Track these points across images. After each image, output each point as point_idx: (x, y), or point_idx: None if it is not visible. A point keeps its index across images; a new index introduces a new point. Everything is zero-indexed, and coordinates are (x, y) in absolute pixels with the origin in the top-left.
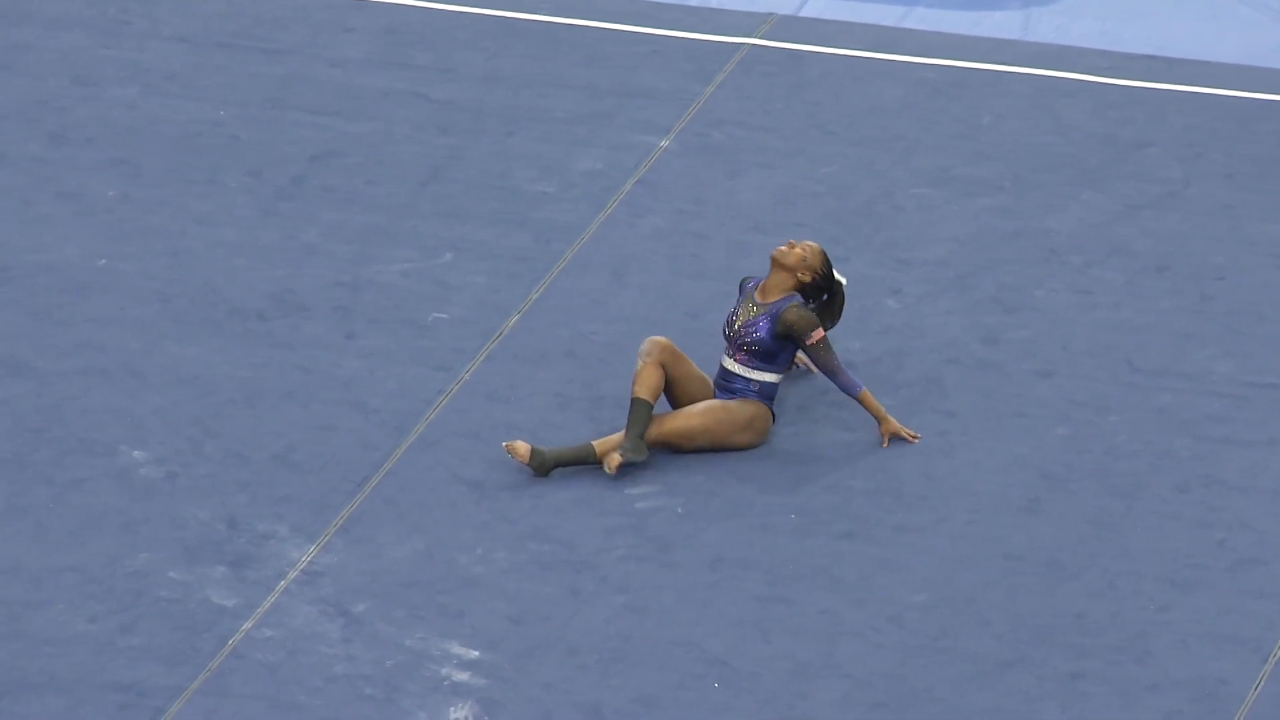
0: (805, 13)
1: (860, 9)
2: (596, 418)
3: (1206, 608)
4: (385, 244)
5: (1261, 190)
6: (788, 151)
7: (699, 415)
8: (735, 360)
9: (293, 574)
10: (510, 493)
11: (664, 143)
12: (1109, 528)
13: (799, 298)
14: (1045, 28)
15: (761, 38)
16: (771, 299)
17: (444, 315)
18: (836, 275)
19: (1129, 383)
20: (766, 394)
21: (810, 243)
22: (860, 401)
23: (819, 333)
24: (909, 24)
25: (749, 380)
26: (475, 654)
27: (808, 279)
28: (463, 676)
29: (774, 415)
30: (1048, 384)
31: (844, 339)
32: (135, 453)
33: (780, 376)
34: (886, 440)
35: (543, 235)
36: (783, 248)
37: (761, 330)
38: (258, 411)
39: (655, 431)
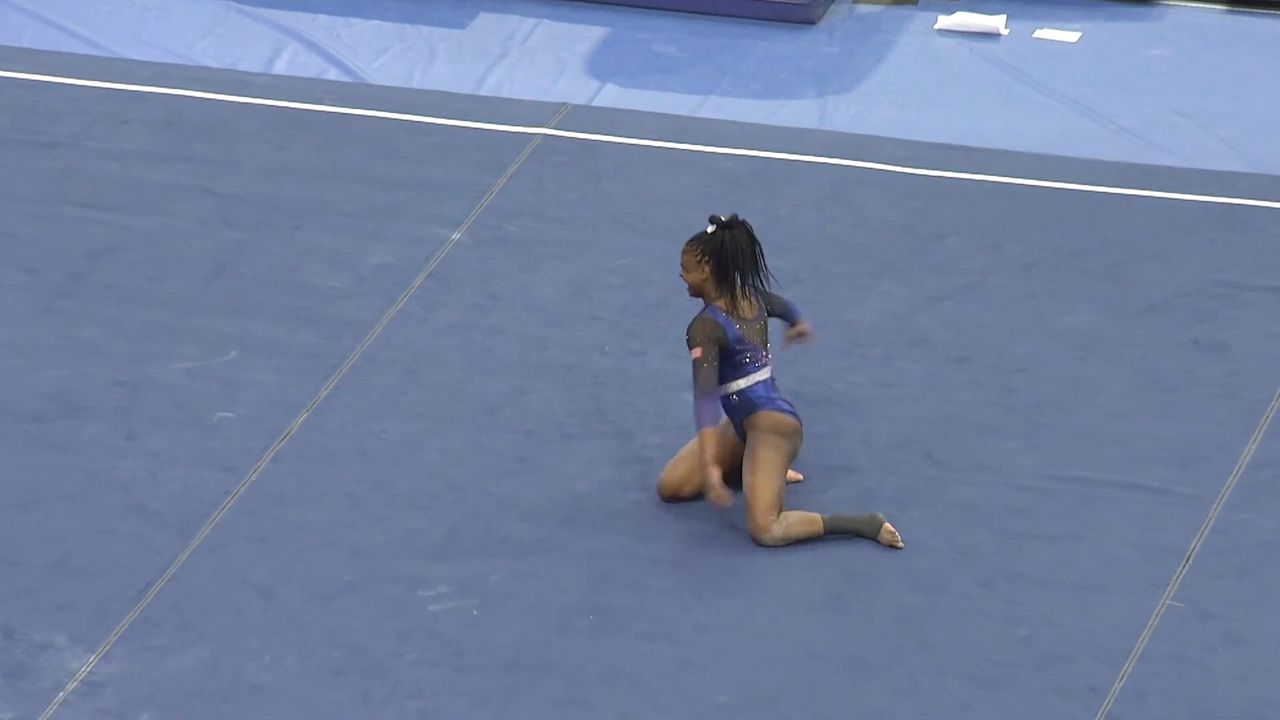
0: (599, 102)
1: (655, 98)
2: (388, 517)
3: (1012, 705)
4: (168, 342)
5: (1062, 280)
6: (582, 243)
7: (754, 479)
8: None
9: (72, 685)
10: (300, 597)
11: (456, 235)
12: (912, 624)
13: (711, 310)
14: (842, 116)
15: (554, 128)
16: (753, 308)
17: (230, 414)
18: (708, 232)
19: (930, 476)
20: (747, 404)
21: (681, 258)
22: (699, 436)
23: (696, 351)
24: (704, 113)
25: (728, 397)
26: None
27: (705, 277)
28: None
29: (783, 409)
30: (848, 479)
31: (642, 433)
32: None
33: (748, 379)
34: (709, 494)
35: (332, 331)
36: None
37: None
38: (35, 516)
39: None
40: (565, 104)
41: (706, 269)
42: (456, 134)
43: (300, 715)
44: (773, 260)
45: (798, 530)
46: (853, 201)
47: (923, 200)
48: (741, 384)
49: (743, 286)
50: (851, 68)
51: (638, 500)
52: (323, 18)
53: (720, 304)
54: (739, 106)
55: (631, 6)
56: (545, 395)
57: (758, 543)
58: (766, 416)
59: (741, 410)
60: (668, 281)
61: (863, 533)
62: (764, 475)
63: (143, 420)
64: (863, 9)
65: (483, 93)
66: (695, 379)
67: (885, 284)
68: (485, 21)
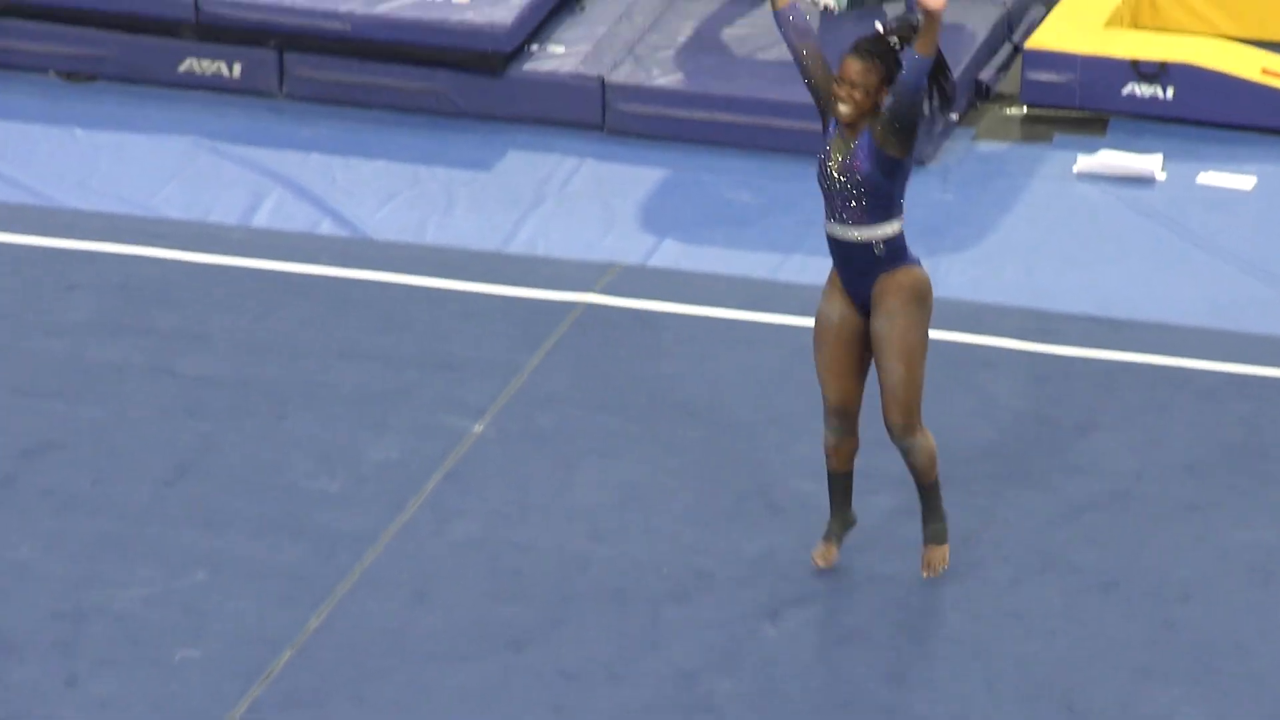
0: (655, 261)
1: (724, 257)
2: None
3: None
4: (120, 561)
5: (1235, 487)
6: (634, 437)
7: (892, 371)
8: (847, 223)
9: None
10: None
11: (478, 427)
12: None
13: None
14: (960, 279)
15: (601, 293)
16: (860, 126)
17: (195, 653)
18: (889, 40)
19: None
20: (898, 252)
21: (847, 70)
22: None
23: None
24: (786, 275)
25: (872, 244)
26: None
27: (884, 90)
28: None
29: (918, 266)
30: None
31: (709, 676)
32: None
33: (902, 221)
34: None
35: (324, 546)
36: (844, 109)
37: (863, 159)
38: None
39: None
40: (614, 264)
41: (882, 74)
42: (480, 301)
43: None
44: (874, 458)
45: (925, 455)
46: (974, 385)
47: (1060, 385)
48: (896, 226)
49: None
50: (971, 219)
51: None
52: (315, 157)
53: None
54: (827, 268)
55: (695, 143)
56: (588, 627)
57: (896, 439)
58: (912, 275)
59: (886, 263)
60: (740, 483)
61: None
62: (918, 360)
63: (87, 660)
64: (984, 147)
65: (512, 250)
66: (931, 42)
67: (1014, 489)
68: (516, 161)
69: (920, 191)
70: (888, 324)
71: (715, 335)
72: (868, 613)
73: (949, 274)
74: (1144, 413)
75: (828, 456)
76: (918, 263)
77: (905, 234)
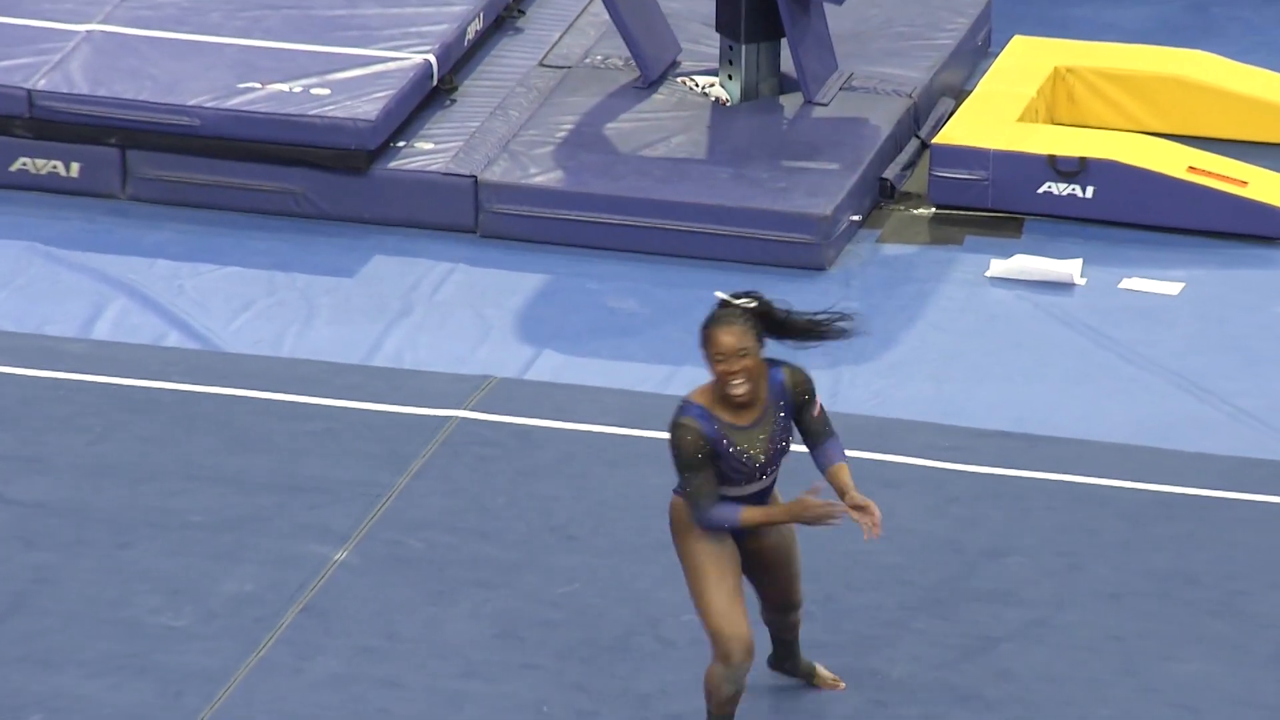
0: (533, 374)
1: (607, 369)
2: None
3: None
4: None
5: (1163, 617)
6: (512, 565)
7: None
8: (766, 479)
9: None
10: None
11: (340, 555)
12: None
13: (775, 370)
14: (861, 393)
15: (474, 409)
16: (759, 406)
17: None
18: (740, 302)
19: None
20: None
21: (724, 340)
22: (842, 471)
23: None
24: (675, 389)
25: (772, 485)
26: None
27: (761, 345)
28: None
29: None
30: None
31: None
32: None
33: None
34: (855, 515)
35: (170, 686)
36: (739, 387)
37: (788, 435)
38: None
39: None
40: (489, 377)
41: (757, 331)
42: (342, 418)
43: None
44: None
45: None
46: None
47: (971, 506)
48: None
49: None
50: (875, 328)
51: None
52: (161, 264)
53: (762, 365)
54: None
55: (576, 246)
56: None
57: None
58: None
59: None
60: (627, 616)
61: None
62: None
63: None
64: (890, 249)
65: (378, 363)
66: (828, 422)
67: (922, 619)
68: (382, 267)
69: (821, 298)
70: (788, 537)
71: (599, 453)
72: None
73: (851, 387)
74: (1062, 535)
75: (723, 706)
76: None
77: None
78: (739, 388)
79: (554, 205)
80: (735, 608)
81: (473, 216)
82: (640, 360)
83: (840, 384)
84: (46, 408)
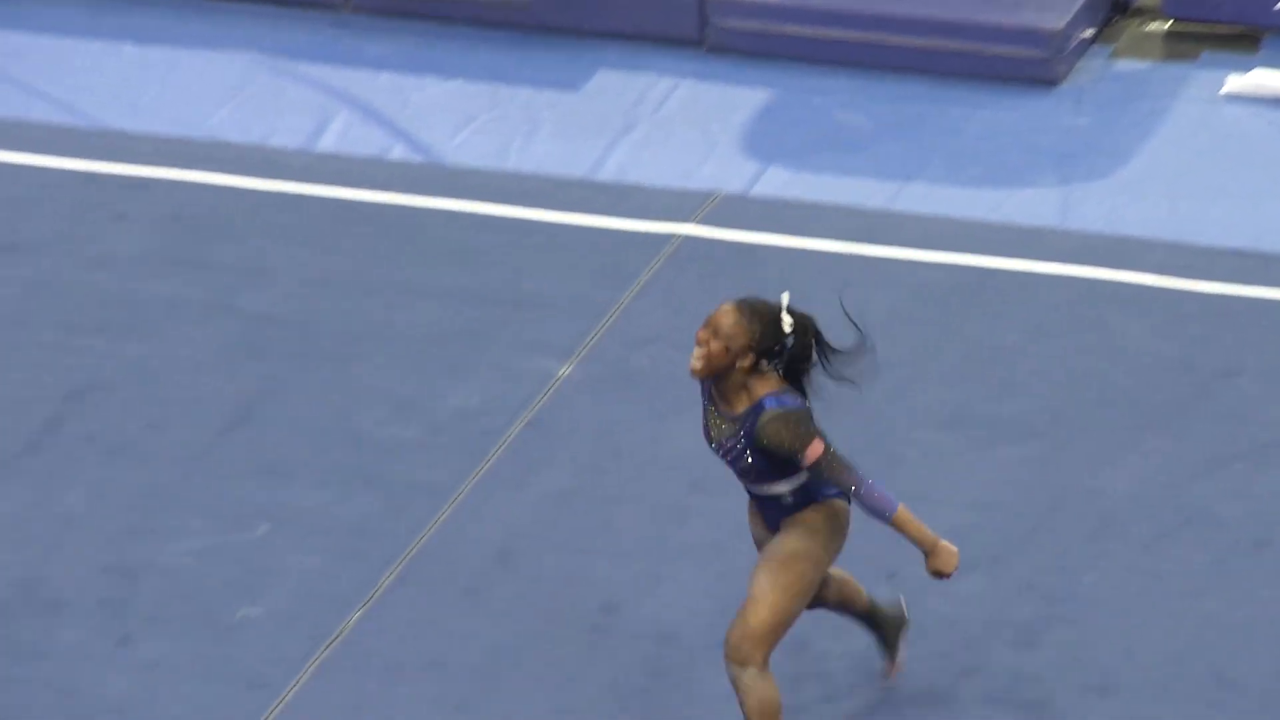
0: (758, 190)
1: (832, 185)
2: None
3: None
4: (173, 512)
5: None
6: None
7: (760, 589)
8: (745, 481)
9: None
10: None
11: (564, 370)
12: None
13: (770, 403)
14: (1094, 211)
15: (699, 224)
16: (738, 407)
17: (257, 611)
18: (783, 314)
19: (1221, 703)
20: (808, 495)
21: (717, 316)
22: (895, 526)
23: (815, 447)
24: (902, 205)
25: (778, 496)
26: None
27: (747, 356)
28: None
29: (838, 497)
30: (1106, 706)
31: (819, 640)
32: None
33: (803, 479)
34: (939, 576)
35: (397, 499)
36: (695, 358)
37: (746, 453)
38: None
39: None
40: (714, 193)
41: (754, 343)
42: (566, 233)
43: None
44: (998, 405)
45: (757, 702)
46: (1108, 327)
47: (1204, 326)
48: (804, 476)
49: (794, 380)
50: (1108, 145)
51: None
52: (385, 76)
53: (770, 386)
54: (950, 197)
55: (802, 61)
56: (686, 587)
57: (728, 665)
58: (825, 508)
59: (796, 507)
60: (853, 433)
61: None
62: (792, 594)
63: (139, 618)
64: (1123, 65)
65: (601, 178)
66: (833, 475)
67: (1153, 439)
68: (606, 81)
69: (1049, 116)
70: (779, 541)
71: (823, 270)
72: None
73: (1083, 203)
74: None
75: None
76: (834, 494)
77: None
78: (693, 360)
79: (780, 19)
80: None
81: (698, 30)
82: (866, 176)
83: (1071, 201)
84: (272, 219)
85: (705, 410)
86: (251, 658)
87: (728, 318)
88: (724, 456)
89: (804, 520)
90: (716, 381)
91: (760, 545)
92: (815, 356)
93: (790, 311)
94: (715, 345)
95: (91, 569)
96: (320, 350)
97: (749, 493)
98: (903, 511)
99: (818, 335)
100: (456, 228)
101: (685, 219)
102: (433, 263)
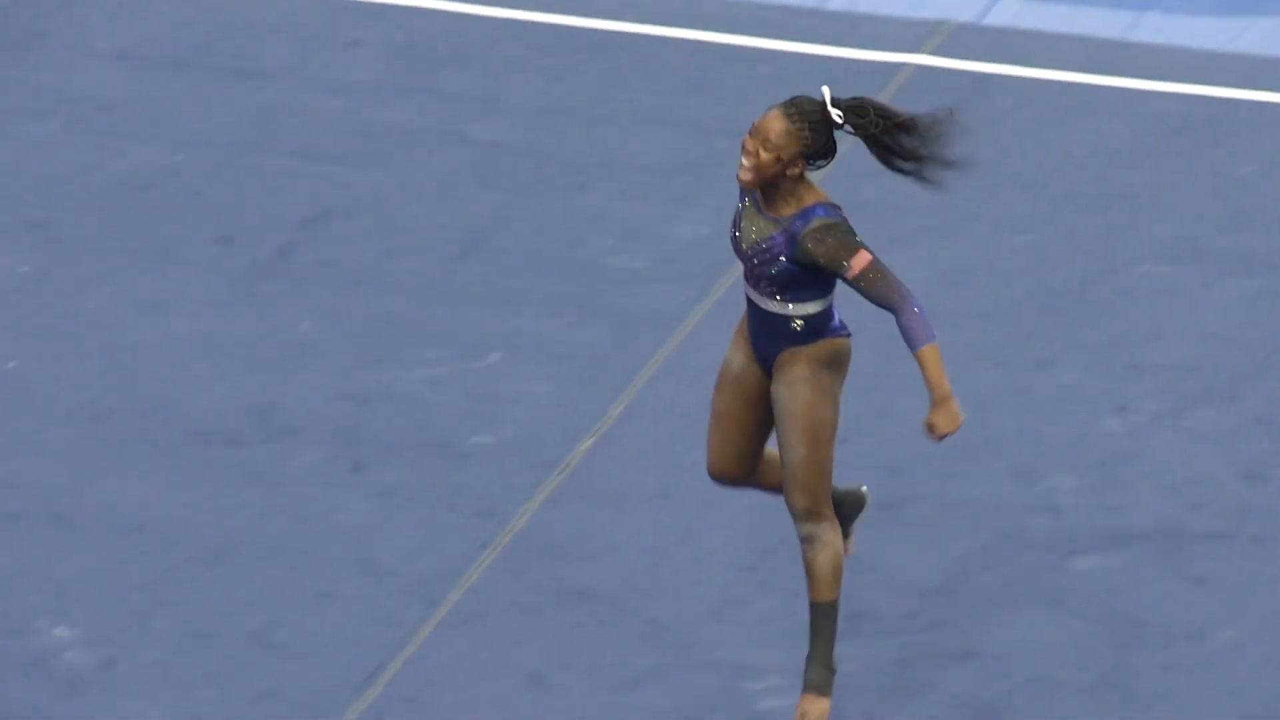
0: (991, 20)
1: (1070, 15)
2: (701, 581)
3: None
4: (406, 340)
5: None
6: (966, 214)
7: (794, 449)
8: (761, 294)
9: None
10: (583, 687)
11: None
12: None
13: (821, 211)
14: None
15: (930, 54)
16: (784, 210)
17: (488, 439)
18: (829, 109)
19: None
20: (820, 328)
21: (764, 123)
22: (919, 359)
23: (863, 256)
24: (1139, 36)
25: (790, 319)
26: None
27: (798, 163)
28: None
29: (843, 335)
30: None
31: (1050, 472)
32: (58, 630)
33: (828, 301)
34: (930, 431)
35: (627, 328)
36: (743, 169)
37: (780, 256)
38: (228, 572)
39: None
40: (945, 22)
41: (804, 146)
42: (797, 63)
43: None
44: (1234, 237)
45: (830, 558)
46: None
47: None
48: (821, 304)
49: (887, 153)
50: None
51: (1039, 562)
52: None
53: (820, 196)
54: (1186, 27)
55: None
56: (914, 418)
57: (802, 525)
58: (828, 344)
59: (803, 337)
60: (1082, 265)
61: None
62: (826, 438)
63: (371, 446)
64: None
65: (832, 8)
66: (881, 286)
67: None
68: None
69: None
70: (789, 394)
71: (1057, 101)
72: None
73: None
74: None
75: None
76: (840, 332)
77: (832, 306)
78: (741, 171)
79: None
80: (713, 426)
81: None
82: (1101, 5)
83: None
84: (504, 48)
85: (740, 208)
86: (482, 485)
87: (776, 124)
88: (754, 257)
89: (805, 360)
90: (763, 186)
91: (732, 375)
92: (894, 136)
93: (836, 103)
94: (765, 155)
95: (325, 396)
96: (551, 179)
97: (754, 309)
98: (934, 349)
99: (880, 110)
100: (687, 57)
101: (916, 49)
102: (664, 92)
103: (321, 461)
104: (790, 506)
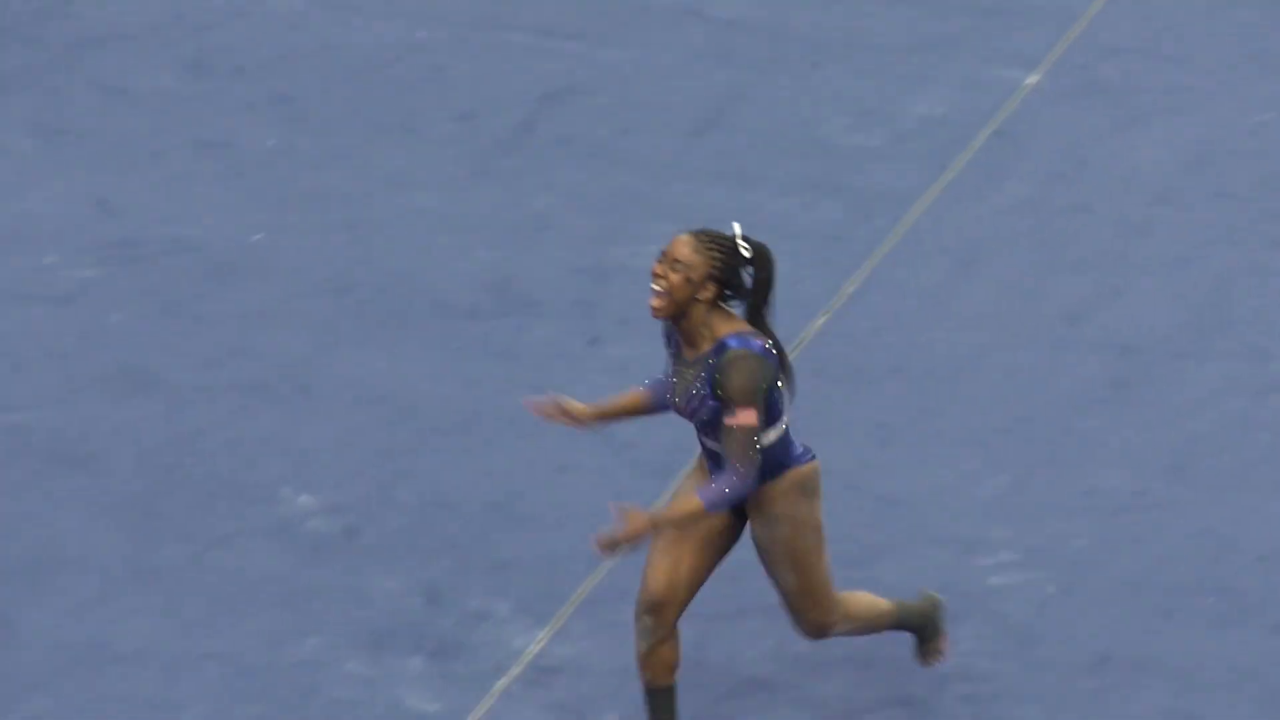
0: None
1: None
2: (933, 458)
3: None
4: (643, 215)
5: None
6: (1209, 92)
7: (784, 580)
8: (711, 439)
9: (515, 670)
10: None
11: (1031, 79)
12: None
13: (733, 342)
14: None
15: None
16: (702, 346)
17: None
18: (739, 240)
19: None
20: (777, 461)
21: (672, 247)
22: (683, 500)
23: (748, 415)
24: None
25: None
26: None
27: (708, 286)
28: None
29: (806, 460)
30: None
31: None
32: (302, 498)
33: (779, 431)
34: (604, 536)
35: (861, 206)
36: (653, 296)
37: (707, 400)
38: (469, 445)
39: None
40: None
41: (714, 272)
42: None
43: (824, 712)
44: None
45: (861, 626)
46: None
47: None
48: (772, 434)
49: (751, 306)
50: None
51: (1274, 443)
52: None
53: (733, 325)
54: None
55: None
56: (1148, 299)
57: (814, 639)
58: (793, 475)
59: (765, 474)
60: None
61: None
62: (814, 560)
63: (609, 319)
64: None
65: None
66: (738, 451)
67: None
68: None
69: None
70: (767, 534)
71: None
72: None
73: None
74: None
75: (639, 666)
76: (804, 459)
77: (789, 434)
78: (653, 299)
79: None
80: (660, 551)
81: None
82: None
83: None
84: None
85: (670, 358)
86: None
87: (684, 246)
88: (687, 407)
89: (776, 499)
90: (679, 323)
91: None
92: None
93: (746, 239)
94: (675, 277)
95: (563, 270)
96: (787, 57)
97: (712, 455)
98: (698, 507)
99: (773, 266)
100: None
101: None
102: None
103: (560, 334)
104: (802, 634)
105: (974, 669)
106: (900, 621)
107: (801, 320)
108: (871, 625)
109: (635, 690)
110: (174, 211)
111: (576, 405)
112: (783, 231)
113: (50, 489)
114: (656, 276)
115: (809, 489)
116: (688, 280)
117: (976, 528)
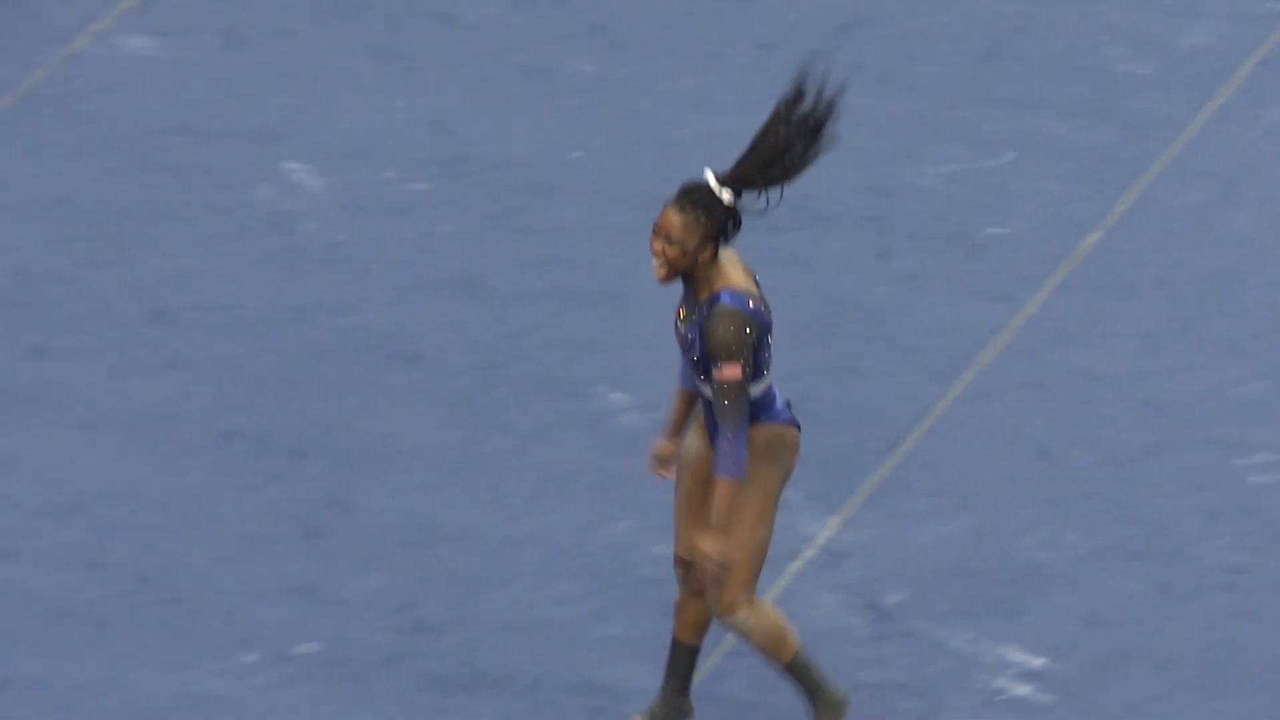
0: None
1: None
2: (1197, 365)
3: None
4: (929, 138)
5: None
6: None
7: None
8: (700, 380)
9: (808, 553)
10: (1087, 460)
11: None
12: None
13: (725, 297)
14: None
15: None
16: (702, 295)
17: (1003, 230)
18: (716, 189)
19: None
20: (751, 415)
21: (663, 222)
22: (719, 487)
23: (732, 369)
24: None
25: None
26: (1039, 662)
27: (705, 248)
28: (1023, 690)
29: (783, 421)
30: None
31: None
32: (614, 395)
33: (764, 384)
34: (696, 549)
35: (1134, 131)
36: (656, 269)
37: (697, 343)
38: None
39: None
40: None
41: (705, 234)
42: None
43: (1086, 604)
44: None
45: (761, 635)
46: None
47: None
48: (755, 389)
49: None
50: None
51: None
52: None
53: (727, 279)
54: None
55: None
56: None
57: (718, 619)
58: (765, 431)
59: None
60: None
61: (817, 706)
62: (748, 525)
63: (896, 234)
64: None
65: None
66: (727, 408)
67: None
68: None
69: None
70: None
71: None
72: None
73: None
74: None
75: (674, 613)
76: (781, 417)
77: (773, 390)
78: (655, 270)
79: None
80: (677, 509)
81: None
82: None
83: None
84: None
85: (680, 300)
86: (997, 273)
87: (674, 219)
88: (683, 346)
89: (755, 448)
90: (685, 277)
91: (688, 461)
92: (792, 166)
93: (720, 180)
94: (672, 250)
95: (854, 188)
96: None
97: (703, 395)
98: (730, 486)
99: (764, 159)
100: None
101: None
102: None
103: (849, 248)
104: (708, 604)
105: (1234, 563)
106: (802, 671)
107: (1076, 237)
108: (774, 643)
109: (920, 572)
110: (499, 131)
111: (666, 447)
112: (1060, 153)
113: (387, 384)
114: (654, 251)
115: (772, 452)
116: (684, 252)
117: (1237, 429)
